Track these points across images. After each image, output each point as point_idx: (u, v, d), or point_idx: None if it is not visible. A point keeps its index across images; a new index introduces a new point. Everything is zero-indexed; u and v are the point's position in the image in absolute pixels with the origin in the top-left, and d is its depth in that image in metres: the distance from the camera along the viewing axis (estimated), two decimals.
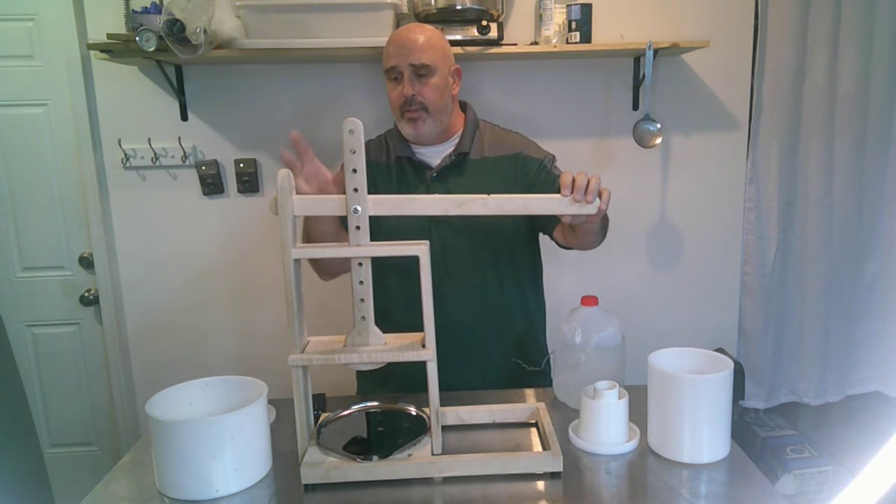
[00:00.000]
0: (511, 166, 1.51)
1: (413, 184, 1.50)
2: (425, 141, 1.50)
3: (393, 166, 1.53)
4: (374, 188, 1.39)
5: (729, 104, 2.19)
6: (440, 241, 1.47)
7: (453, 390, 1.34)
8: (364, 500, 1.01)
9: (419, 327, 1.08)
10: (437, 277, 1.44)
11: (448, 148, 1.52)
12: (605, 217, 1.41)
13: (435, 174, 1.49)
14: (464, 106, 1.59)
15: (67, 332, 2.23)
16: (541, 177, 1.48)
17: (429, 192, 1.48)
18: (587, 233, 1.35)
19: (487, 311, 1.52)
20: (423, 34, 1.45)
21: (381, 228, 1.41)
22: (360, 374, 1.65)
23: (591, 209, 1.12)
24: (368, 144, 1.59)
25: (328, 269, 1.50)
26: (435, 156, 1.51)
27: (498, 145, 1.53)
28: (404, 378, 1.37)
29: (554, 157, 1.55)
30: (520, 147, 1.53)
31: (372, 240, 1.07)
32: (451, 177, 1.49)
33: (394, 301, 1.46)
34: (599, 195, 1.12)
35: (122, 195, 2.14)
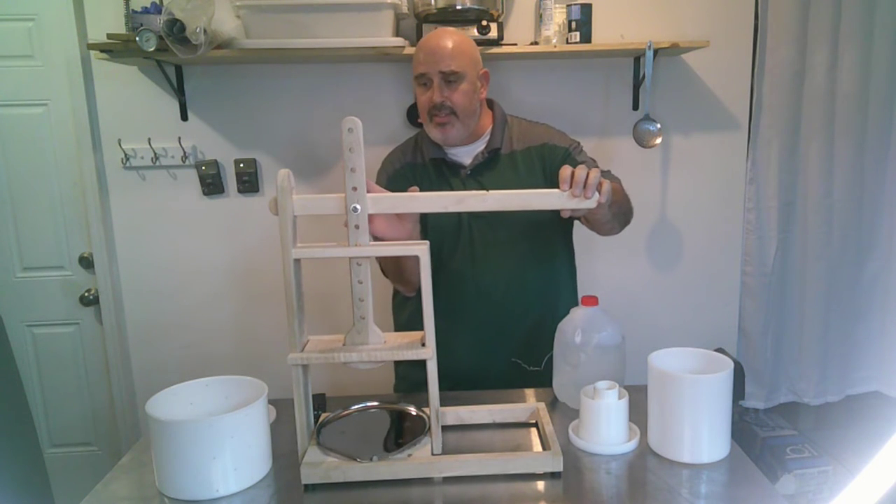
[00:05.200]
0: (538, 157, 1.53)
1: (449, 182, 1.53)
2: (454, 143, 1.52)
3: (429, 166, 1.55)
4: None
5: (729, 104, 2.19)
6: (479, 235, 1.50)
7: (492, 384, 1.42)
8: (364, 500, 1.01)
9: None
10: (477, 271, 1.50)
11: (479, 147, 1.53)
12: (627, 200, 1.46)
13: (468, 172, 1.52)
14: (490, 103, 1.60)
15: (67, 332, 2.23)
16: (566, 165, 1.49)
17: (464, 189, 1.50)
18: (598, 222, 1.39)
19: (529, 301, 1.53)
20: (452, 40, 1.46)
21: (423, 226, 1.47)
22: (399, 367, 1.67)
23: (590, 203, 1.12)
24: (404, 147, 1.63)
25: (414, 283, 1.49)
26: (466, 155, 1.53)
27: (525, 138, 1.55)
28: (449, 373, 1.41)
29: (579, 143, 1.57)
30: (546, 137, 1.55)
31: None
32: (485, 173, 1.52)
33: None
34: (599, 188, 1.12)
35: (122, 195, 2.14)
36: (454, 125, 1.47)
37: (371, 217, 1.20)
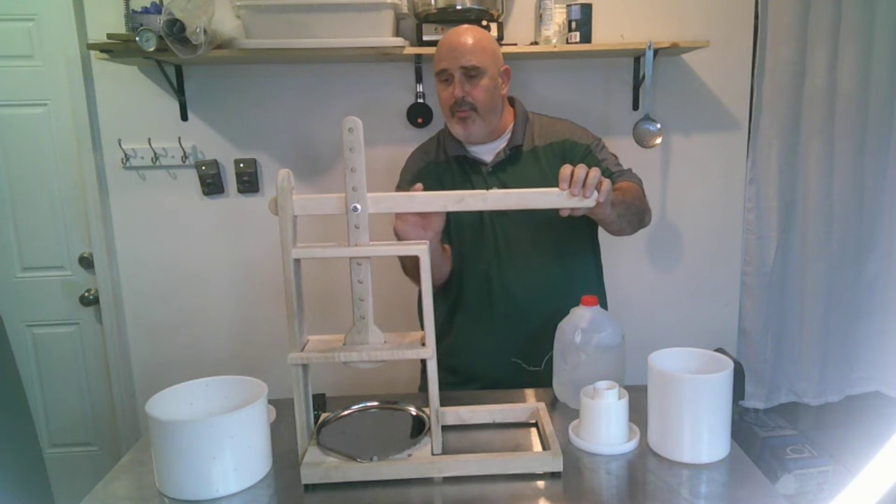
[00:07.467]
0: (560, 153, 1.52)
1: (471, 179, 1.53)
2: (476, 141, 1.52)
3: (452, 163, 1.56)
4: (440, 185, 1.48)
5: (729, 104, 2.19)
6: (503, 234, 1.50)
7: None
8: (364, 500, 1.01)
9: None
10: (503, 269, 1.50)
11: (500, 144, 1.54)
12: (641, 201, 1.46)
13: (490, 169, 1.52)
14: (511, 101, 1.61)
15: (67, 332, 2.23)
16: (586, 162, 1.48)
17: (486, 186, 1.49)
18: (603, 222, 1.39)
19: (556, 300, 1.50)
20: (473, 36, 1.46)
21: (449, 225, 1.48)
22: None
23: (588, 203, 1.12)
24: (426, 146, 1.63)
25: (436, 281, 1.49)
26: (488, 153, 1.53)
27: (546, 134, 1.55)
28: (479, 374, 1.46)
29: (601, 140, 1.57)
30: (567, 134, 1.55)
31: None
32: (507, 169, 1.52)
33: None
34: (598, 187, 1.12)
35: (122, 195, 2.14)
36: (475, 121, 1.47)
37: (397, 222, 1.26)
